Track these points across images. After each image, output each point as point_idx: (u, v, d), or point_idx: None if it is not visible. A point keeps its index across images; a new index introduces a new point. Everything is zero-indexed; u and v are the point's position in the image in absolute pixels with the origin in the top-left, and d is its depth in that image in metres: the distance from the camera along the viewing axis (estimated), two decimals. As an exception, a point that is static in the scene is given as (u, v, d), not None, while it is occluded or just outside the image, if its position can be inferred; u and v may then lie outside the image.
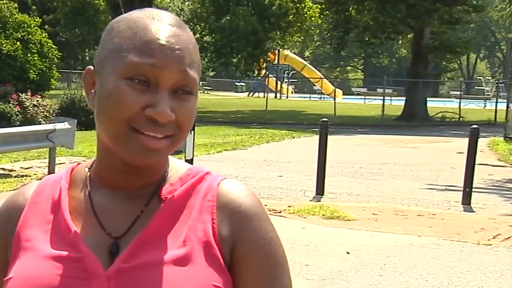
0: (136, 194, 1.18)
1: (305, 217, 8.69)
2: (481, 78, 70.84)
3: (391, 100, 37.49)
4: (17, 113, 17.66)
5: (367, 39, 32.84)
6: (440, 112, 32.12)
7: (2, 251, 1.21)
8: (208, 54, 34.07)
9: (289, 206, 9.30)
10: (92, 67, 1.19)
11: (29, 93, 18.47)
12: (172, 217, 1.16)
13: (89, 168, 1.23)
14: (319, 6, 34.03)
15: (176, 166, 1.23)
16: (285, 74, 56.18)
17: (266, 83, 45.91)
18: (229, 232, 1.16)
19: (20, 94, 18.24)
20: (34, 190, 1.24)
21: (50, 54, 21.61)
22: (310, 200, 9.98)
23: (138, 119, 1.10)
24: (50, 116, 18.15)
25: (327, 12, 33.87)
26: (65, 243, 1.14)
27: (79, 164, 1.27)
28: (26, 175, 11.30)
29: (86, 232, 1.16)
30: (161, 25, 1.13)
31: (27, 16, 22.53)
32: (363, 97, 49.48)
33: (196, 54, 1.16)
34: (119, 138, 1.11)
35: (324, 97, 49.61)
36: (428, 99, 31.98)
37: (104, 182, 1.19)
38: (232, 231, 1.16)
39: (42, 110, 18.29)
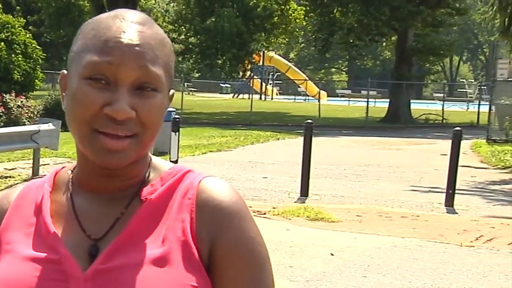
0: (117, 197, 1.18)
1: (290, 219, 8.72)
2: (464, 80, 71.20)
3: (375, 102, 37.68)
4: (1, 114, 17.54)
5: (351, 41, 32.96)
6: (424, 114, 32.31)
7: None
8: (193, 56, 34.06)
9: (274, 208, 9.33)
10: (65, 71, 1.19)
11: (13, 94, 18.34)
12: (152, 217, 1.15)
13: (71, 171, 1.24)
14: (304, 8, 34.12)
15: (158, 166, 1.22)
16: (270, 76, 56.25)
17: (251, 85, 45.98)
18: (209, 230, 1.14)
19: (4, 95, 18.10)
20: (18, 193, 1.24)
21: (34, 55, 21.50)
22: (295, 202, 10.01)
23: (98, 119, 1.10)
24: (35, 117, 18.03)
25: (311, 14, 33.97)
26: (45, 246, 1.14)
27: (64, 167, 1.28)
28: (10, 176, 11.25)
29: (66, 234, 1.16)
30: (123, 23, 1.13)
31: (11, 16, 22.41)
32: (347, 99, 49.60)
33: (162, 50, 1.15)
34: (84, 140, 1.12)
35: (308, 99, 49.75)
36: (411, 101, 32.13)
37: (84, 185, 1.20)
38: (212, 230, 1.14)
39: (26, 111, 18.17)
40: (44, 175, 1.28)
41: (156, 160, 1.24)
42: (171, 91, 1.20)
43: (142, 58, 1.10)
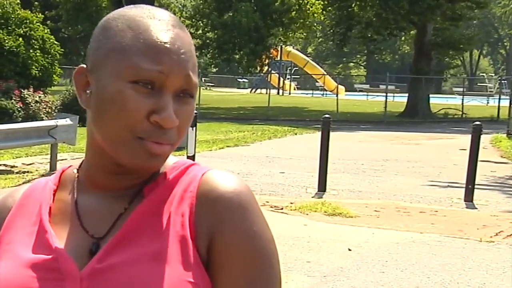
0: (122, 194, 1.15)
1: (307, 214, 8.68)
2: (484, 74, 70.75)
3: (393, 96, 37.50)
4: (19, 109, 17.64)
5: (369, 35, 32.79)
6: (443, 108, 32.10)
7: None
8: (211, 50, 34.07)
9: (291, 203, 9.29)
10: (85, 66, 1.14)
11: (31, 89, 18.44)
12: (152, 212, 1.11)
13: (77, 169, 1.21)
14: (322, 2, 33.98)
15: (165, 162, 1.19)
16: (288, 71, 56.20)
17: (269, 80, 45.91)
18: (208, 223, 1.09)
19: (22, 90, 18.21)
20: (23, 192, 1.23)
21: (52, 50, 21.56)
22: (312, 197, 9.97)
23: (142, 126, 1.07)
24: (52, 112, 18.10)
25: (329, 8, 33.86)
26: (44, 245, 1.12)
27: (71, 166, 1.25)
28: (28, 171, 11.30)
29: (68, 234, 1.14)
30: (163, 26, 1.10)
31: (29, 12, 22.47)
32: (365, 93, 49.47)
33: (195, 55, 1.15)
34: (121, 144, 1.08)
35: (326, 94, 49.67)
36: (430, 95, 31.95)
37: (92, 182, 1.17)
38: (211, 222, 1.09)
39: (44, 106, 18.25)
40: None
41: None
42: None
43: (186, 67, 1.09)
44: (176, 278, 1.05)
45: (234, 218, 1.09)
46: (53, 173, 1.26)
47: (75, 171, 1.21)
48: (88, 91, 1.13)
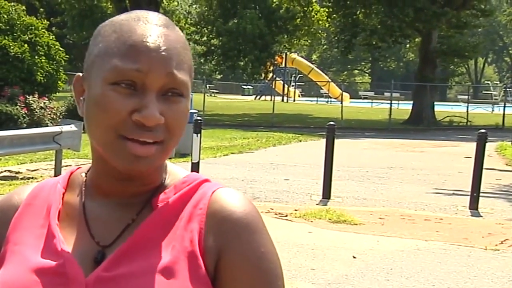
0: (130, 202, 1.15)
1: (312, 221, 8.65)
2: (489, 82, 70.66)
3: (398, 104, 37.52)
4: (24, 115, 17.67)
5: (374, 42, 32.76)
6: (448, 116, 32.05)
7: None
8: (215, 57, 34.14)
9: (296, 210, 9.27)
10: (81, 74, 1.15)
11: (36, 96, 18.49)
12: (161, 226, 1.11)
13: (86, 173, 1.21)
14: (327, 10, 34.01)
15: (174, 174, 1.19)
16: (292, 78, 56.17)
17: (273, 86, 45.92)
18: (217, 241, 1.10)
19: (27, 96, 18.25)
20: (30, 191, 1.22)
21: (57, 57, 21.61)
22: (317, 204, 9.94)
23: (125, 126, 1.06)
24: (57, 119, 18.15)
25: (334, 15, 33.84)
26: (51, 250, 1.12)
27: (79, 168, 1.25)
28: (32, 177, 11.30)
29: (75, 239, 1.14)
30: (147, 26, 1.09)
31: (34, 18, 22.54)
32: (370, 100, 49.46)
33: (186, 54, 1.12)
34: (108, 146, 1.08)
35: (331, 101, 49.68)
36: (435, 103, 31.90)
37: (98, 188, 1.17)
38: (220, 241, 1.10)
39: (49, 112, 18.30)
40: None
41: (171, 166, 1.20)
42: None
43: (168, 64, 1.08)
44: None
45: (241, 238, 1.10)
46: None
47: (83, 175, 1.21)
48: (82, 98, 1.14)
